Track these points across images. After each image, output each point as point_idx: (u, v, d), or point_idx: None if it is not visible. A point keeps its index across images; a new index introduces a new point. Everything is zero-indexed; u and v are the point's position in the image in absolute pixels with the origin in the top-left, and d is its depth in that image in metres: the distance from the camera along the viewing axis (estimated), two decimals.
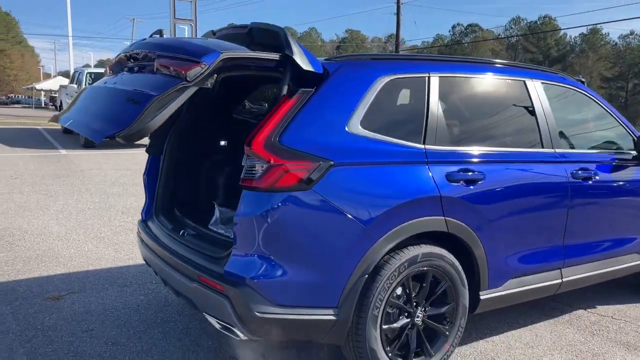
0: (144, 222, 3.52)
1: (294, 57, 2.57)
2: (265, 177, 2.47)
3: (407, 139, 2.86)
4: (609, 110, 3.97)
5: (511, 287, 3.28)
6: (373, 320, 2.71)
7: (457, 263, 2.98)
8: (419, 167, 2.83)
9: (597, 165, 3.68)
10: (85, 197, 7.56)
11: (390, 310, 2.83)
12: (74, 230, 5.80)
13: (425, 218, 2.79)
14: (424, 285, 2.91)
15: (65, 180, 8.80)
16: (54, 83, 40.54)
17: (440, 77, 3.07)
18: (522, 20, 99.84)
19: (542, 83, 3.56)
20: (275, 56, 2.61)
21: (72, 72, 22.58)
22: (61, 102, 18.50)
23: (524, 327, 3.78)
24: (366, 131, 2.72)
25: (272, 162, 2.47)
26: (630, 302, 4.35)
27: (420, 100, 2.99)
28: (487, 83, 3.36)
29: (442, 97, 3.06)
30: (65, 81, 26.35)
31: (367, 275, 2.65)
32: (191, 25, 21.26)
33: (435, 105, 2.99)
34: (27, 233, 5.62)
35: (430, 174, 2.83)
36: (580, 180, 3.50)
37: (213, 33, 3.28)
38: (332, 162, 2.55)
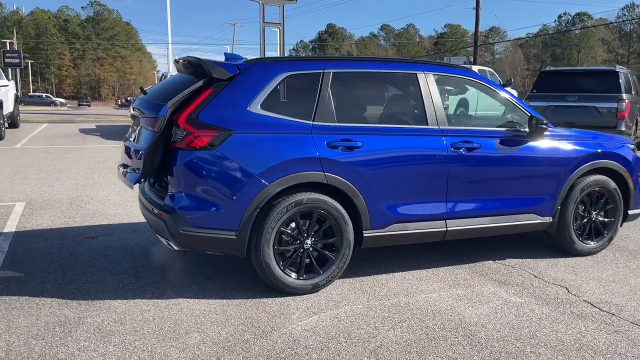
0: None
1: (214, 75, 3.87)
2: (184, 140, 3.77)
3: (299, 117, 4.02)
4: (507, 96, 4.81)
5: (395, 230, 4.29)
6: (266, 242, 3.89)
7: (339, 207, 4.07)
8: (304, 137, 3.98)
9: (484, 139, 4.54)
10: None
11: (285, 237, 4.00)
12: (127, 199, 7.45)
13: (306, 172, 3.92)
14: (312, 221, 4.05)
15: None
16: None
17: (333, 72, 4.18)
18: (637, 6, 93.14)
19: (434, 75, 4.52)
20: (201, 83, 3.90)
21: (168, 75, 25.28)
22: None
23: (428, 268, 4.73)
24: (264, 111, 3.93)
25: (188, 130, 3.76)
26: (542, 257, 5.10)
27: (313, 90, 4.12)
28: (376, 76, 4.42)
29: (333, 86, 4.16)
30: None
31: (259, 210, 3.85)
32: (279, 28, 23.07)
33: (325, 93, 4.11)
34: (93, 199, 7.35)
35: (312, 141, 3.97)
36: (461, 150, 4.42)
37: (176, 62, 4.60)
38: (232, 132, 3.79)
